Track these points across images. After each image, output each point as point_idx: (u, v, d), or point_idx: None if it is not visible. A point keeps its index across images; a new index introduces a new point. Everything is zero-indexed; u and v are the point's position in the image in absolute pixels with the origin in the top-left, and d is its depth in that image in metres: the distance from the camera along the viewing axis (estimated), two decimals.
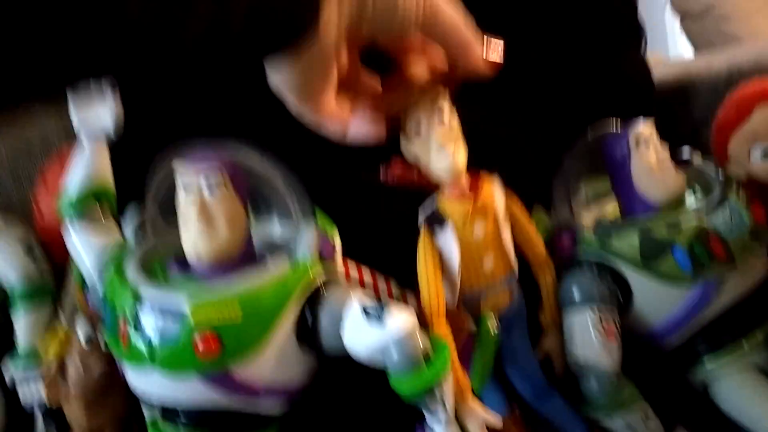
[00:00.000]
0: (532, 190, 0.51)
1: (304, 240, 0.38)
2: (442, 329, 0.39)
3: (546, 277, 0.45)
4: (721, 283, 0.42)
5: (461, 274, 0.40)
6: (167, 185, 0.38)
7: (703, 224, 0.42)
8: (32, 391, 0.43)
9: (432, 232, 0.40)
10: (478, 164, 0.58)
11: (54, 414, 0.44)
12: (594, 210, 0.52)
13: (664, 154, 0.46)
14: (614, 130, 0.47)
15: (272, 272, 0.36)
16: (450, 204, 0.40)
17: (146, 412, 0.39)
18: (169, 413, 0.37)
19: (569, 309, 0.44)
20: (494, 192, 0.42)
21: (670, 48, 1.53)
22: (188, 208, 0.36)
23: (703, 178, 0.48)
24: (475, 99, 0.58)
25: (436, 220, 0.40)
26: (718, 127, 0.48)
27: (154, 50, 0.26)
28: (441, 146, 0.39)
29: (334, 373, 0.40)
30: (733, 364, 0.44)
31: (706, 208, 0.44)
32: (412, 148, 0.40)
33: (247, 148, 0.40)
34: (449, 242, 0.39)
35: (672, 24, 1.47)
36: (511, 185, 0.58)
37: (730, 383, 0.43)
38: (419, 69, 0.40)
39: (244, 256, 0.38)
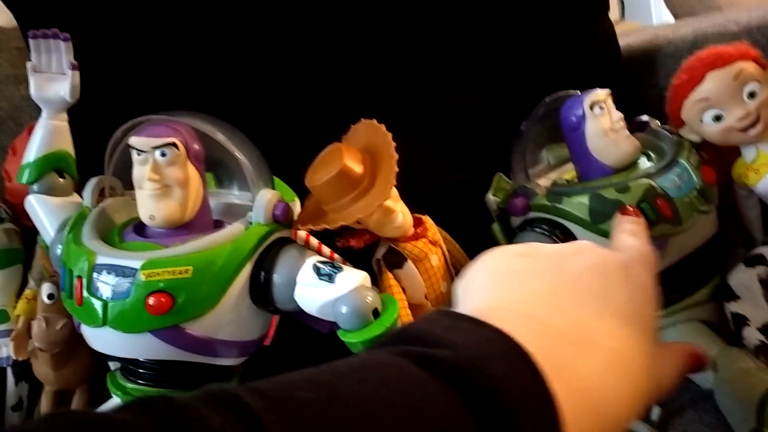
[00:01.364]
0: (497, 156, 0.53)
1: (258, 203, 0.39)
2: None
3: None
4: (668, 241, 0.43)
5: (428, 300, 0.44)
6: (125, 155, 0.39)
7: (652, 185, 0.43)
8: (1, 349, 0.45)
9: (390, 269, 0.43)
10: (444, 131, 0.59)
11: (25, 373, 0.46)
12: (554, 174, 0.54)
13: (618, 119, 0.46)
14: (570, 96, 0.48)
15: (225, 234, 0.37)
16: (409, 246, 0.44)
17: (111, 366, 0.41)
18: (129, 366, 0.39)
19: None
20: (435, 227, 0.47)
21: (654, 17, 1.52)
22: (142, 172, 0.37)
23: (659, 143, 0.49)
24: (442, 67, 0.59)
25: (395, 259, 0.44)
26: (672, 92, 0.48)
27: None
28: (390, 212, 0.42)
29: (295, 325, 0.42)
30: (679, 317, 0.45)
31: (656, 170, 0.45)
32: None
33: (204, 116, 0.41)
34: (411, 275, 0.44)
35: None
36: (475, 152, 0.59)
37: (674, 335, 0.45)
38: None
39: (202, 222, 0.40)
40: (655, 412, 0.43)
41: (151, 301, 0.34)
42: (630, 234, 0.33)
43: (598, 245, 0.30)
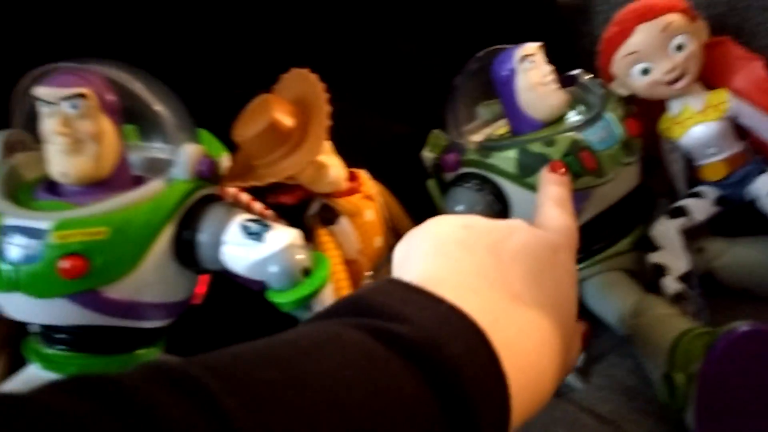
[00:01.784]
0: (436, 109, 0.52)
1: (180, 159, 0.37)
2: None
3: None
4: (592, 192, 0.44)
5: (363, 255, 0.44)
6: (33, 106, 0.37)
7: (576, 139, 0.44)
8: None
9: (325, 225, 0.43)
10: (380, 84, 0.58)
11: None
12: (489, 130, 0.54)
13: (548, 73, 0.47)
14: (501, 50, 0.47)
15: (145, 191, 0.36)
16: (343, 201, 0.43)
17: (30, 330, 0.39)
18: (47, 331, 0.37)
19: None
20: (370, 182, 0.46)
21: None
22: (50, 126, 0.35)
23: (588, 96, 0.50)
24: (376, 17, 0.58)
25: (329, 214, 0.43)
26: (603, 45, 0.48)
27: None
28: (323, 167, 0.42)
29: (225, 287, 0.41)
30: (602, 267, 0.47)
31: (581, 124, 0.45)
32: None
33: (120, 64, 0.39)
34: (346, 231, 0.43)
35: None
36: (413, 105, 0.59)
37: (596, 283, 0.47)
38: None
39: (120, 178, 0.38)
40: (579, 359, 0.45)
41: (64, 264, 0.33)
42: (556, 204, 0.35)
43: (530, 225, 0.31)
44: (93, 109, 0.35)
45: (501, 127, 0.53)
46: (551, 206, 0.34)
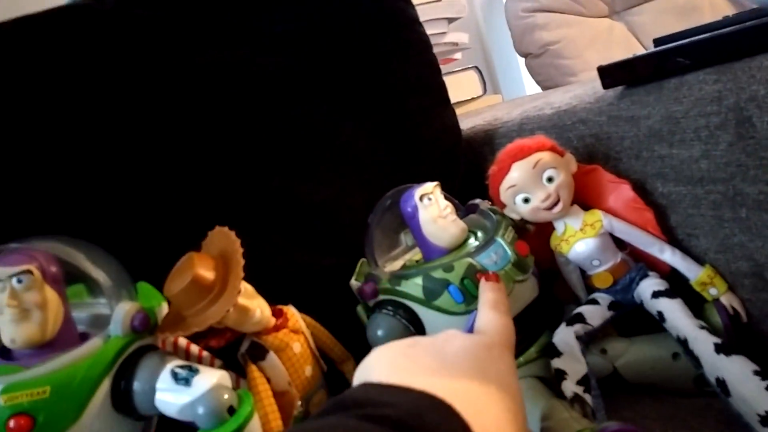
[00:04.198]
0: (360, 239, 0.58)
1: (116, 317, 0.42)
2: None
3: (348, 368, 0.55)
4: None
5: (293, 386, 0.48)
6: None
7: (472, 263, 0.50)
8: None
9: (255, 362, 0.47)
10: (306, 225, 0.65)
11: None
12: (410, 255, 0.60)
13: (445, 207, 0.53)
14: (405, 190, 0.55)
15: (83, 350, 0.40)
16: (270, 338, 0.48)
17: None
18: None
19: (373, 346, 0.50)
20: (296, 315, 0.51)
21: (527, 88, 1.68)
22: (1, 300, 0.40)
23: (485, 222, 0.57)
24: (298, 170, 0.65)
25: (258, 352, 0.48)
26: (489, 181, 0.56)
27: None
28: (246, 310, 0.47)
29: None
30: None
31: (476, 249, 0.51)
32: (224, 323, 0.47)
33: (62, 238, 0.44)
34: (274, 365, 0.48)
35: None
36: (338, 239, 0.65)
37: None
38: None
39: (65, 338, 0.42)
40: None
41: (11, 423, 0.37)
42: (491, 307, 0.40)
43: (463, 333, 0.36)
44: (37, 282, 0.41)
45: (418, 253, 0.59)
46: (487, 310, 0.40)
